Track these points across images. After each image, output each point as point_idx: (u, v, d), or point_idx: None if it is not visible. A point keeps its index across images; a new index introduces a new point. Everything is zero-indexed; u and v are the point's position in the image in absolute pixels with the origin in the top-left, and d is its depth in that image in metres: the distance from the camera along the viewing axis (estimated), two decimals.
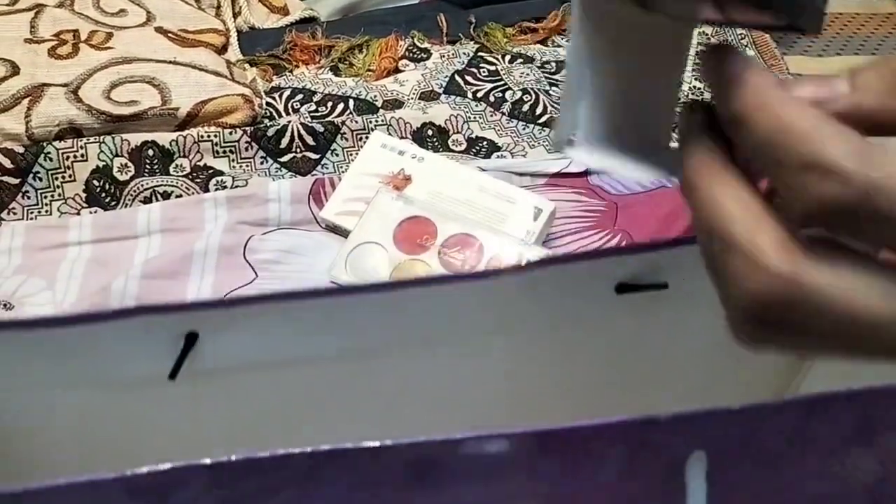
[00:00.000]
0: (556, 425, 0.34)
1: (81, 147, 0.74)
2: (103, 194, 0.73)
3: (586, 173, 0.77)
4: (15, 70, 0.78)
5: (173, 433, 0.41)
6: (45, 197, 0.73)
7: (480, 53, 0.92)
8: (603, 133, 0.28)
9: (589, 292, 0.41)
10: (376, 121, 0.80)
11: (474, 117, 0.83)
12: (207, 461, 0.30)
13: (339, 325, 0.39)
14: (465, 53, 0.92)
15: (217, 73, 0.82)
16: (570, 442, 0.35)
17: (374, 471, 0.32)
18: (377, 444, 0.32)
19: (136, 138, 0.75)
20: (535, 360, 0.44)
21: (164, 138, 0.75)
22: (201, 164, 0.76)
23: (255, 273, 0.67)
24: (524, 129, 0.83)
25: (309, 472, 0.31)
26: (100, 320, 0.36)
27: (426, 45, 0.93)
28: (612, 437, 0.35)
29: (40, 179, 0.73)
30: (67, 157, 0.74)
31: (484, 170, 0.75)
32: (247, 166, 0.77)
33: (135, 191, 0.73)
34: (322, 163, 0.79)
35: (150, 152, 0.75)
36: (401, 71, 0.90)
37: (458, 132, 0.82)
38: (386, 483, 0.32)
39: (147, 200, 0.73)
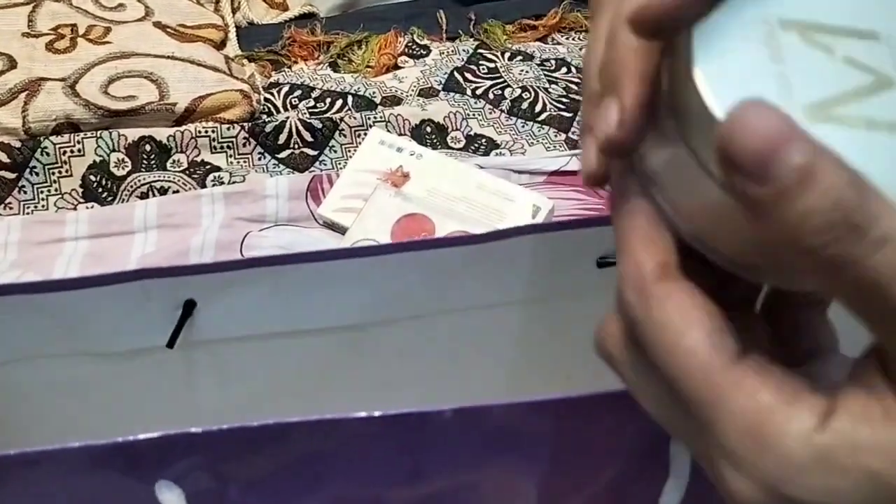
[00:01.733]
0: (540, 396, 0.34)
1: (78, 142, 0.74)
2: (100, 189, 0.73)
3: None
4: (12, 64, 0.78)
5: (171, 402, 0.41)
6: (42, 192, 0.73)
7: (480, 50, 0.92)
8: None
9: (571, 266, 0.41)
10: (375, 117, 0.80)
11: (473, 114, 0.83)
12: (198, 429, 0.30)
13: (334, 295, 0.39)
14: (464, 50, 0.92)
15: (215, 69, 0.82)
16: (556, 414, 0.34)
17: (369, 441, 0.32)
18: (372, 414, 0.32)
19: (133, 133, 0.75)
20: (519, 333, 0.44)
21: (161, 133, 0.75)
22: (199, 159, 0.75)
23: None
24: (523, 126, 0.83)
25: (302, 441, 0.31)
26: (97, 285, 0.36)
27: (426, 41, 0.92)
28: (597, 409, 0.34)
29: (37, 174, 0.73)
30: (64, 152, 0.73)
31: (482, 167, 0.75)
32: (244, 162, 0.77)
33: (132, 186, 0.73)
34: (320, 159, 0.78)
35: (148, 147, 0.74)
36: (400, 67, 0.89)
37: (456, 129, 0.81)
38: (379, 454, 0.32)
39: (144, 196, 0.73)
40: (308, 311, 0.39)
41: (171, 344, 0.37)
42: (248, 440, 0.31)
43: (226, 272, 0.37)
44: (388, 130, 0.79)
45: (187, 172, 0.74)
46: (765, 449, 0.20)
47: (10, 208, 0.72)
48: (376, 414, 0.32)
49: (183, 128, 0.76)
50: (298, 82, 0.84)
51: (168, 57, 0.81)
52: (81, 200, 0.73)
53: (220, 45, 0.88)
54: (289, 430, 0.31)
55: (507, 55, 0.90)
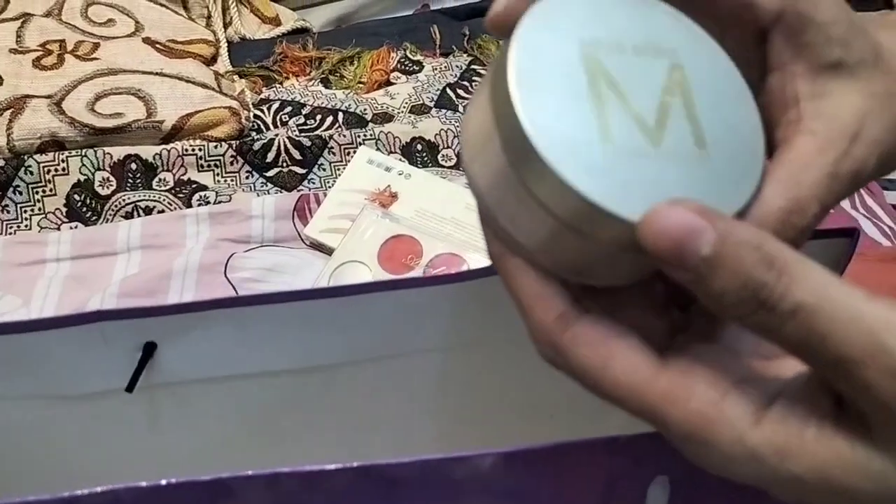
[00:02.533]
0: (515, 447, 0.33)
1: (63, 160, 0.73)
2: (84, 209, 0.72)
3: None
4: None
5: (131, 448, 0.40)
6: (25, 211, 0.72)
7: (473, 66, 0.91)
8: None
9: None
10: (365, 135, 0.79)
11: None
12: (143, 483, 0.29)
13: (298, 335, 0.37)
14: (457, 66, 0.90)
15: (204, 85, 0.81)
16: (529, 463, 0.33)
17: (343, 492, 0.31)
18: (344, 465, 0.30)
19: (118, 151, 0.74)
20: (493, 375, 0.43)
21: (147, 152, 0.74)
22: (185, 178, 0.74)
23: (236, 292, 0.66)
24: None
25: (271, 493, 0.30)
26: (53, 327, 0.35)
27: (419, 57, 0.91)
28: (571, 459, 0.33)
29: (20, 193, 0.72)
30: (48, 171, 0.73)
31: None
32: (232, 181, 0.76)
33: (116, 205, 0.72)
34: (309, 177, 0.77)
35: (133, 166, 0.74)
36: (392, 83, 0.88)
37: (447, 147, 0.80)
38: None
39: (129, 215, 0.72)
40: (275, 352, 0.38)
41: (130, 388, 0.36)
42: (204, 495, 0.30)
43: (187, 313, 0.36)
44: (378, 148, 0.78)
45: (173, 192, 0.74)
46: (708, 448, 0.23)
47: None
48: (355, 464, 0.31)
49: (170, 146, 0.75)
50: (289, 98, 0.83)
51: (156, 73, 0.80)
52: (65, 220, 0.72)
53: (211, 61, 0.87)
54: (249, 482, 0.30)
55: None
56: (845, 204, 0.75)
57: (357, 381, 0.40)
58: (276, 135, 0.78)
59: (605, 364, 0.24)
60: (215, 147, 0.76)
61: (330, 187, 0.75)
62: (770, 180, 0.25)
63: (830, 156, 0.25)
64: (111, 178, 0.73)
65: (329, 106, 0.83)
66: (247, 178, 0.76)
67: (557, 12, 0.24)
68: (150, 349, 0.36)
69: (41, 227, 0.71)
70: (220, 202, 0.73)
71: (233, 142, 0.76)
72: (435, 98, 0.85)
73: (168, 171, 0.74)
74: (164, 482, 0.29)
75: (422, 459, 0.32)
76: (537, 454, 0.34)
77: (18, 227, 0.71)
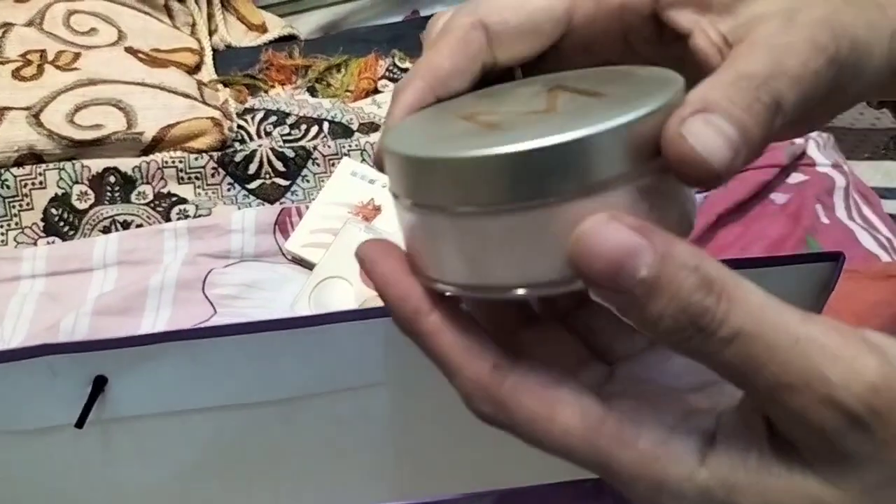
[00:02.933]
0: (494, 489, 0.32)
1: (40, 174, 0.71)
2: (62, 223, 0.71)
3: None
4: None
5: (84, 485, 0.38)
6: (2, 226, 0.70)
7: None
8: None
9: None
10: (350, 145, 0.77)
11: None
12: None
13: (255, 368, 0.36)
14: None
15: (186, 95, 0.79)
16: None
17: None
18: None
19: (97, 164, 0.72)
20: (463, 406, 0.41)
21: (126, 164, 0.73)
22: (165, 190, 0.73)
23: (214, 309, 0.64)
24: None
25: None
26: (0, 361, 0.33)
27: (407, 64, 0.89)
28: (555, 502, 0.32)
29: None
30: (25, 185, 0.71)
31: None
32: (213, 193, 0.74)
33: (94, 220, 0.71)
34: (292, 189, 0.76)
35: (112, 179, 0.72)
36: (380, 92, 0.87)
37: None
38: None
39: (107, 230, 0.70)
40: (231, 385, 0.36)
41: (80, 423, 0.34)
42: None
43: (138, 346, 0.34)
44: (364, 159, 0.76)
45: (152, 205, 0.72)
46: (658, 489, 0.22)
47: None
48: None
49: (149, 158, 0.74)
50: (274, 108, 0.82)
51: (138, 83, 0.79)
52: (42, 235, 0.70)
53: (195, 70, 0.86)
54: None
55: None
56: (841, 214, 0.73)
57: (318, 415, 0.38)
58: (259, 146, 0.76)
59: (552, 412, 0.22)
60: (196, 159, 0.74)
61: (314, 199, 0.73)
62: (722, 67, 0.23)
63: (778, 38, 0.24)
64: (89, 191, 0.71)
65: (315, 115, 0.81)
66: (228, 190, 0.75)
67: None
68: (100, 383, 0.35)
69: (18, 243, 0.70)
70: (200, 216, 0.71)
71: (214, 153, 0.75)
72: None
73: (147, 183, 0.73)
74: None
75: None
76: (519, 497, 0.33)
77: None
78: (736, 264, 0.36)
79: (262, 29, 0.94)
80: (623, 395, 0.24)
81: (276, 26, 0.94)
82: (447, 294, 0.23)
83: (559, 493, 0.31)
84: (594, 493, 0.31)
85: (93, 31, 0.86)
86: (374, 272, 0.24)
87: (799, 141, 0.79)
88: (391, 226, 0.69)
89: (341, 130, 0.80)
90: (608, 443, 0.22)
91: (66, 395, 0.35)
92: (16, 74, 0.78)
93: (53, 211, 0.71)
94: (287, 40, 0.93)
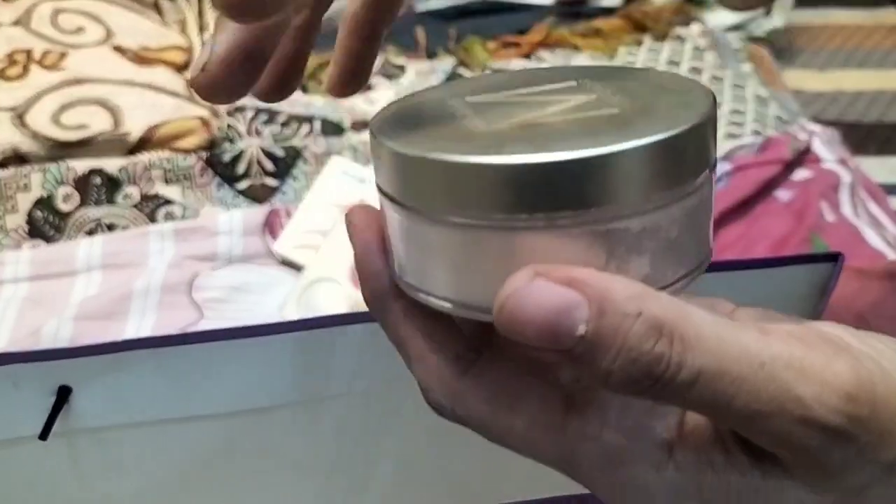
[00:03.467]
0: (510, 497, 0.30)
1: (25, 175, 0.70)
2: (46, 226, 0.69)
3: None
4: None
5: (52, 499, 0.36)
6: None
7: (459, 69, 0.87)
8: None
9: None
10: (341, 144, 0.75)
11: None
12: None
13: (230, 376, 0.34)
14: (443, 69, 0.87)
15: (174, 94, 0.78)
16: None
17: None
18: None
19: (82, 165, 0.70)
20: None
21: (112, 165, 0.71)
22: (151, 192, 0.71)
23: (201, 313, 0.63)
24: None
25: None
26: None
27: (401, 60, 0.88)
28: None
29: None
30: (9, 187, 0.69)
31: None
32: (201, 194, 0.72)
33: (79, 223, 0.69)
34: (282, 189, 0.74)
35: (97, 180, 0.70)
36: (373, 89, 0.85)
37: None
38: None
39: (92, 232, 0.69)
40: (204, 394, 0.34)
41: (43, 435, 0.33)
42: None
43: (102, 355, 0.32)
44: (356, 158, 0.75)
45: (138, 207, 0.70)
46: (623, 485, 0.22)
47: None
48: None
49: (136, 158, 0.72)
50: (264, 106, 0.80)
51: (125, 82, 0.77)
52: (27, 238, 0.69)
53: (184, 68, 0.84)
54: None
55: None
56: (847, 211, 0.71)
57: (297, 425, 0.36)
58: (248, 145, 0.74)
59: (514, 405, 0.22)
60: (184, 159, 0.73)
61: (304, 199, 0.71)
62: None
63: None
64: (74, 193, 0.70)
65: (306, 113, 0.80)
66: (217, 190, 0.73)
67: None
68: (64, 393, 0.33)
69: (2, 246, 0.68)
70: (187, 217, 0.70)
71: (202, 153, 0.73)
72: None
73: (134, 184, 0.71)
74: None
75: None
76: None
77: None
78: (734, 266, 0.34)
79: None
80: (587, 389, 0.22)
81: None
82: (421, 301, 0.22)
83: None
84: None
85: (80, 29, 0.84)
86: (353, 238, 0.23)
87: (803, 137, 0.76)
88: None
89: (332, 129, 0.78)
90: (572, 437, 0.21)
91: (29, 405, 0.33)
92: (1, 74, 0.77)
93: (38, 213, 0.69)
94: None
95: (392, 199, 0.21)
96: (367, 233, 0.23)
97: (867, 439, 0.19)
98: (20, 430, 0.34)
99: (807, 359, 0.19)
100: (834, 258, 0.33)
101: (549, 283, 0.18)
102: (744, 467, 0.21)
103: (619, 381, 0.19)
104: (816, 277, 0.36)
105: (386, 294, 0.23)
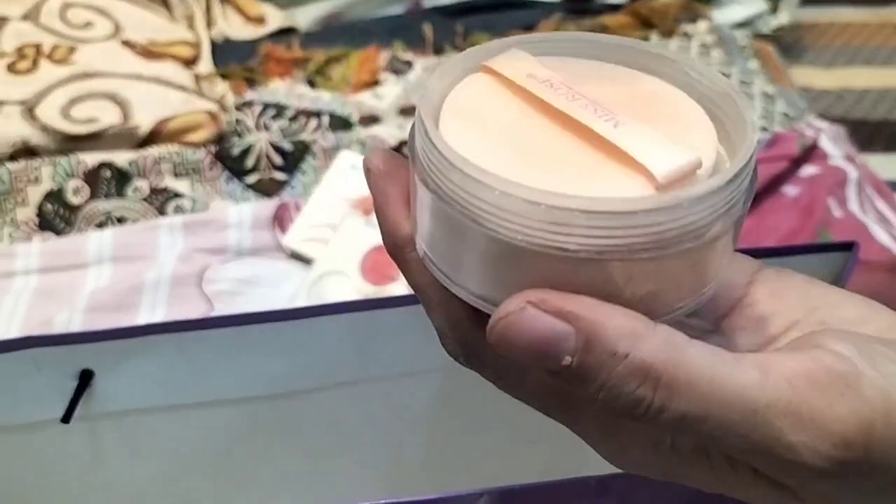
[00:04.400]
0: (498, 486, 0.30)
1: (35, 168, 0.70)
2: (56, 219, 0.69)
3: None
4: None
5: (72, 483, 0.37)
6: None
7: None
8: None
9: None
10: (350, 138, 0.76)
11: None
12: None
13: (249, 361, 0.34)
14: None
15: (183, 88, 0.78)
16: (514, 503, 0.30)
17: None
18: None
19: (92, 158, 0.71)
20: (469, 400, 0.39)
21: (121, 158, 0.71)
22: (161, 185, 0.71)
23: (211, 305, 0.63)
24: None
25: None
26: None
27: (408, 56, 0.88)
28: (539, 502, 0.30)
29: None
30: (20, 180, 0.70)
31: None
32: (210, 187, 0.73)
33: (89, 215, 0.69)
34: (291, 183, 0.74)
35: (107, 173, 0.71)
36: (380, 84, 0.85)
37: None
38: None
39: (102, 225, 0.69)
40: (224, 379, 0.34)
41: (66, 418, 0.33)
42: None
43: (124, 339, 0.32)
44: (364, 152, 0.75)
45: (148, 200, 0.70)
46: (621, 451, 0.22)
47: None
48: None
49: (146, 152, 0.72)
50: (273, 101, 0.80)
51: (134, 77, 0.77)
52: (37, 230, 0.69)
53: (192, 62, 0.84)
54: None
55: None
56: (854, 207, 0.71)
57: (318, 410, 0.36)
58: (257, 139, 0.75)
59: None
60: (193, 153, 0.73)
61: (313, 193, 0.72)
62: None
63: None
64: (84, 185, 0.70)
65: (314, 108, 0.80)
66: (226, 184, 0.73)
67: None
68: (86, 377, 0.33)
69: (13, 239, 0.69)
70: (196, 210, 0.70)
71: (211, 147, 0.73)
72: None
73: (143, 177, 0.71)
74: None
75: (393, 503, 0.29)
76: (514, 494, 0.31)
77: None
78: (749, 254, 0.34)
79: (261, 21, 0.93)
80: None
81: (275, 18, 0.93)
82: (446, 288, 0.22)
83: (560, 490, 0.30)
84: (597, 490, 0.30)
85: (88, 24, 0.85)
86: (374, 186, 0.23)
87: (810, 133, 0.77)
88: None
89: (341, 123, 0.79)
90: (577, 399, 0.22)
91: (51, 389, 0.33)
92: (11, 68, 0.77)
93: (48, 206, 0.69)
94: (286, 33, 0.92)
95: (437, 194, 0.21)
96: (387, 180, 0.23)
97: (854, 478, 0.19)
98: (43, 413, 0.34)
99: (805, 404, 0.19)
100: (848, 247, 0.33)
101: (539, 312, 0.19)
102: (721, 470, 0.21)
103: (604, 407, 0.19)
104: (829, 267, 0.36)
105: (406, 243, 0.23)
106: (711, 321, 0.23)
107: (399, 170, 0.23)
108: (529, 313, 0.19)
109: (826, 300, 0.22)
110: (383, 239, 0.23)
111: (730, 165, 0.20)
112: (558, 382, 0.20)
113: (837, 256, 0.36)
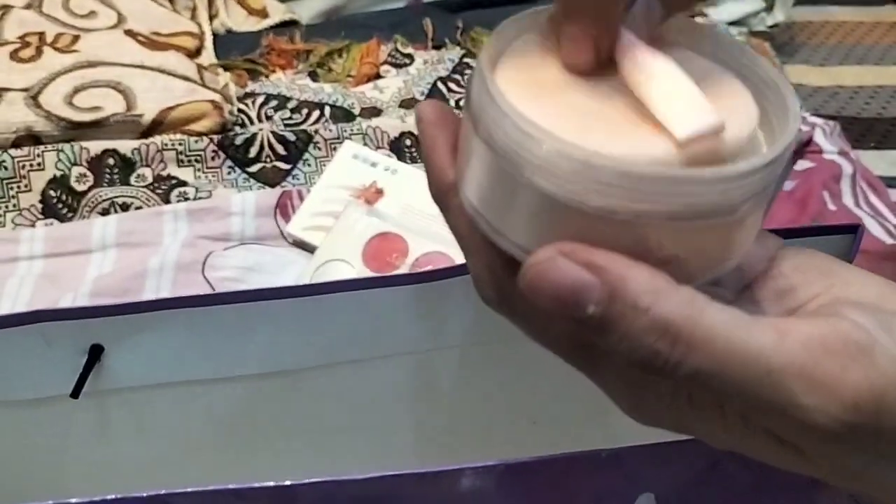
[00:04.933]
0: (499, 460, 0.31)
1: (38, 155, 0.70)
2: (60, 205, 0.70)
3: None
4: None
5: (80, 458, 0.37)
6: None
7: (466, 59, 0.88)
8: None
9: None
10: (352, 129, 0.76)
11: None
12: (74, 500, 0.27)
13: (258, 338, 0.35)
14: (450, 59, 0.88)
15: (186, 78, 0.78)
16: (514, 477, 0.31)
17: None
18: (308, 481, 0.28)
19: (96, 146, 0.71)
20: (473, 380, 0.40)
21: (125, 146, 0.72)
22: (164, 173, 0.72)
23: (214, 291, 0.64)
24: None
25: None
26: None
27: (409, 50, 0.89)
28: (558, 473, 0.31)
29: None
30: (23, 166, 0.70)
31: None
32: (213, 176, 0.73)
33: (93, 202, 0.70)
34: (293, 173, 0.75)
35: (111, 161, 0.71)
36: (382, 77, 0.86)
37: None
38: None
39: (106, 212, 0.69)
40: (233, 355, 0.35)
41: (75, 393, 0.33)
42: None
43: (134, 314, 0.33)
44: (366, 143, 0.76)
45: (151, 188, 0.71)
46: (637, 405, 0.23)
47: None
48: (329, 479, 0.28)
49: (149, 140, 0.73)
50: (275, 92, 0.81)
51: (137, 66, 0.78)
52: (41, 217, 0.70)
53: (195, 54, 0.85)
54: (210, 497, 0.28)
55: None
56: (848, 201, 0.72)
57: (324, 387, 0.37)
58: (260, 129, 0.75)
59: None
60: (196, 142, 0.73)
61: (315, 183, 0.72)
62: None
63: None
64: (88, 173, 0.71)
65: (316, 100, 0.80)
66: (229, 173, 0.74)
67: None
68: (96, 352, 0.34)
69: (15, 225, 0.69)
70: (199, 198, 0.70)
71: (214, 136, 0.74)
72: (426, 92, 0.83)
73: (147, 166, 0.72)
74: (97, 498, 0.27)
75: (396, 474, 0.29)
76: (524, 468, 0.32)
77: None
78: None
79: (263, 14, 0.93)
80: None
81: (277, 11, 0.93)
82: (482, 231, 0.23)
83: (572, 464, 0.30)
84: (609, 463, 0.30)
85: (92, 13, 0.85)
86: (423, 133, 0.24)
87: (805, 128, 0.78)
88: (394, 209, 0.68)
89: (343, 115, 0.79)
90: (600, 351, 0.22)
91: (61, 364, 0.34)
92: (14, 56, 0.77)
93: (52, 193, 0.70)
94: (288, 25, 0.92)
95: (487, 142, 0.21)
96: (436, 128, 0.24)
97: (864, 442, 0.20)
98: (52, 388, 0.35)
99: (819, 368, 0.19)
100: (853, 230, 0.34)
101: (568, 262, 0.20)
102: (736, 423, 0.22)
103: (622, 357, 0.20)
104: (832, 251, 0.37)
105: (449, 190, 0.23)
106: (733, 292, 0.24)
107: (448, 120, 0.24)
108: (559, 263, 0.20)
109: (847, 278, 0.23)
110: (429, 185, 0.24)
111: (768, 150, 0.21)
112: (582, 332, 0.21)
113: (839, 241, 0.37)
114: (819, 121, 0.79)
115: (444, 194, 0.24)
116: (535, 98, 0.22)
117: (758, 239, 0.24)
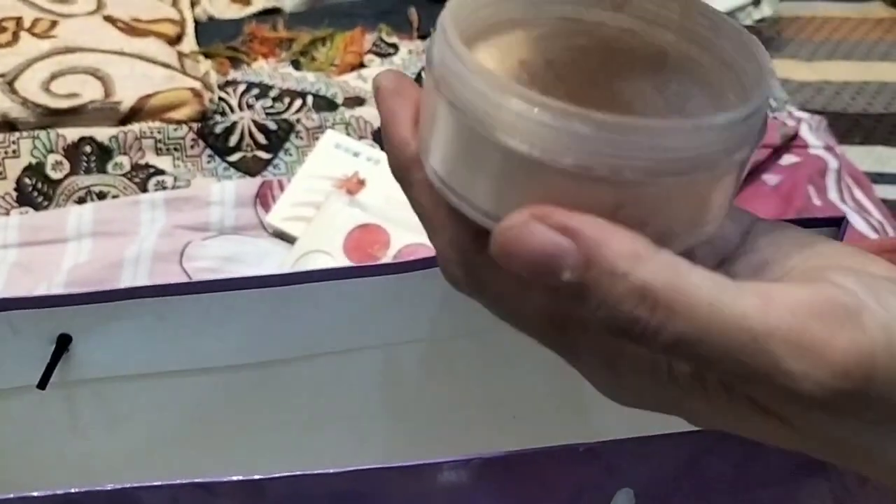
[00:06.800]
0: (476, 454, 0.30)
1: (14, 142, 0.69)
2: (35, 193, 0.68)
3: None
4: None
5: (48, 451, 0.36)
6: None
7: None
8: None
9: None
10: (334, 119, 0.75)
11: None
12: (36, 493, 0.26)
13: (232, 329, 0.34)
14: None
15: (166, 65, 0.77)
16: (491, 471, 0.30)
17: None
18: (280, 475, 0.27)
19: (72, 133, 0.70)
20: (452, 373, 0.39)
21: (103, 134, 0.70)
22: (142, 161, 0.71)
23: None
24: None
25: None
26: None
27: (394, 39, 0.88)
28: (535, 467, 0.30)
29: None
30: None
31: None
32: (192, 165, 0.72)
33: (69, 190, 0.69)
34: (274, 163, 0.74)
35: (88, 149, 0.70)
36: (366, 66, 0.85)
37: None
38: None
39: (82, 201, 0.68)
40: (206, 346, 0.34)
41: (42, 384, 0.33)
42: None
43: (104, 303, 0.32)
44: (349, 133, 0.75)
45: (129, 176, 0.70)
46: (619, 386, 0.23)
47: None
48: (304, 472, 0.27)
49: (127, 128, 0.72)
50: (256, 80, 0.80)
51: (116, 52, 0.77)
52: (15, 205, 0.68)
53: (176, 41, 0.84)
54: (178, 491, 0.27)
55: None
56: (833, 196, 0.72)
57: (300, 379, 0.36)
58: (241, 118, 0.74)
59: (528, 285, 0.21)
60: (175, 130, 0.72)
61: (296, 173, 0.71)
62: None
63: None
64: (64, 160, 0.69)
65: (298, 89, 0.79)
66: (208, 162, 0.73)
67: None
68: (64, 342, 0.33)
69: None
70: (178, 187, 0.69)
71: (194, 124, 0.73)
72: None
73: (125, 154, 0.71)
74: (61, 491, 0.26)
75: (372, 468, 0.29)
76: (501, 462, 0.31)
77: None
78: None
79: (246, 1, 0.92)
80: None
81: None
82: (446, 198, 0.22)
83: (550, 458, 0.30)
84: (588, 458, 0.30)
85: None
86: (382, 104, 0.23)
87: (791, 123, 0.77)
88: (376, 199, 0.67)
89: (325, 104, 0.78)
90: (576, 326, 0.21)
91: (27, 354, 0.33)
92: None
93: (27, 180, 0.69)
94: (271, 13, 0.91)
95: (453, 103, 0.20)
96: (396, 98, 0.23)
97: (851, 410, 0.19)
98: (19, 378, 0.34)
99: (806, 333, 0.19)
100: (837, 223, 0.34)
101: (543, 226, 0.19)
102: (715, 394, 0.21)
103: (601, 326, 0.19)
104: None
105: (411, 164, 0.22)
106: (710, 268, 0.23)
107: (408, 89, 0.23)
108: (533, 227, 0.19)
109: (822, 250, 0.22)
110: (389, 160, 0.23)
111: (744, 105, 0.20)
112: (558, 303, 0.20)
113: (824, 234, 0.36)
114: (805, 115, 0.79)
115: (405, 169, 0.22)
116: (502, 53, 0.21)
117: (731, 214, 0.23)
